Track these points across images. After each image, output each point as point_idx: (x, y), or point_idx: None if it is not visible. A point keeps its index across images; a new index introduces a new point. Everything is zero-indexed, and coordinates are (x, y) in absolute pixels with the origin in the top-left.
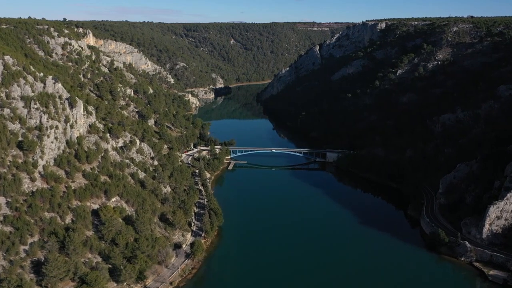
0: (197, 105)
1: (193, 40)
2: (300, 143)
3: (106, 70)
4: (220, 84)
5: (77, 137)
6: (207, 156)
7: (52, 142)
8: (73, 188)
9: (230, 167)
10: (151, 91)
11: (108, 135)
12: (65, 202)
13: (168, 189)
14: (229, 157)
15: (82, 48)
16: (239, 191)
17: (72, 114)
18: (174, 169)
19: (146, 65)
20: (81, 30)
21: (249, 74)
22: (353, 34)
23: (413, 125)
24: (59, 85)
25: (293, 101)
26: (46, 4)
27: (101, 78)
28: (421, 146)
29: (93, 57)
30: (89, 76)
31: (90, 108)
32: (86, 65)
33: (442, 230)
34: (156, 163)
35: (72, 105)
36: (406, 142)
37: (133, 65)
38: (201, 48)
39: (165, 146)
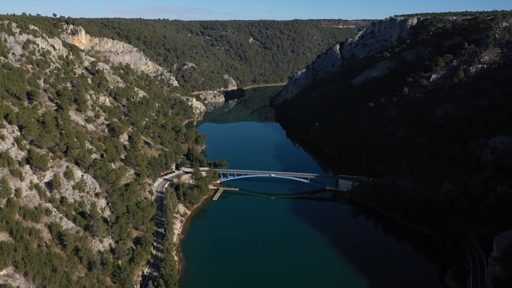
0: (202, 110)
1: (209, 38)
2: (310, 161)
3: (81, 72)
4: (232, 86)
5: None
6: (190, 180)
7: None
8: None
9: (216, 197)
10: (140, 95)
11: (27, 167)
12: None
13: (107, 243)
14: (218, 181)
15: (54, 47)
16: (221, 235)
17: None
18: (129, 209)
19: (146, 66)
20: (71, 27)
21: (267, 75)
22: (379, 31)
23: (452, 147)
24: None
25: (308, 108)
26: (76, 3)
27: (67, 83)
28: (463, 179)
29: (70, 58)
30: (51, 81)
31: (7, 129)
32: (51, 67)
33: None
34: (102, 202)
35: None
36: (443, 172)
37: (132, 66)
38: (217, 47)
39: (131, 172)
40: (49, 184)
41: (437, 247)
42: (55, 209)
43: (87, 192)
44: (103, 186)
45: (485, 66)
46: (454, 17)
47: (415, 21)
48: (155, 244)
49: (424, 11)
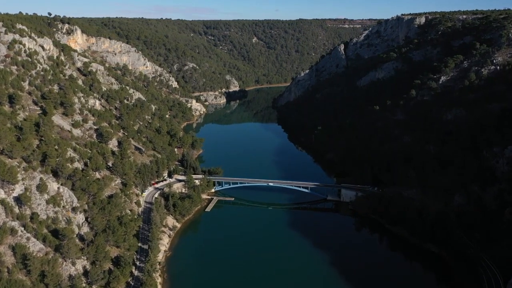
0: (201, 112)
1: (212, 38)
2: (312, 168)
3: (71, 74)
4: (234, 87)
5: None
6: (183, 189)
7: None
8: None
9: (209, 208)
10: (136, 97)
11: None
12: None
13: (81, 265)
14: (212, 190)
15: (43, 47)
16: (213, 251)
17: None
18: (109, 226)
19: (145, 66)
20: (67, 26)
21: (270, 76)
22: (385, 30)
23: (464, 156)
24: None
25: (310, 110)
26: (81, 3)
27: (53, 86)
28: (477, 192)
29: (61, 58)
30: (36, 83)
31: None
32: (38, 68)
33: None
34: (79, 217)
35: None
36: (454, 183)
37: (129, 67)
38: (220, 47)
39: (118, 181)
40: (19, 199)
41: (448, 268)
42: (22, 228)
43: (63, 206)
44: (82, 199)
45: (498, 67)
46: (464, 16)
47: (423, 20)
48: (138, 263)
49: (432, 9)
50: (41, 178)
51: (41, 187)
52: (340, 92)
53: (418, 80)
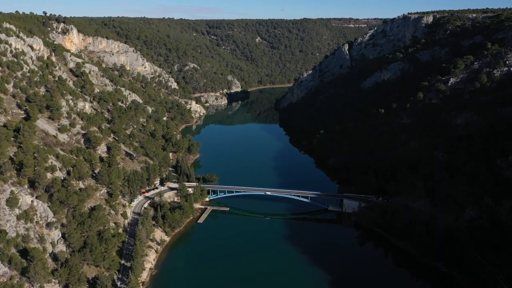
0: (201, 113)
1: (215, 37)
2: (313, 174)
3: (59, 75)
4: (236, 88)
5: None
6: (175, 198)
7: None
8: None
9: (202, 219)
10: (132, 99)
11: None
12: None
13: None
14: (207, 199)
15: (32, 47)
16: (204, 268)
17: None
18: (87, 243)
19: (143, 67)
20: (62, 25)
21: (274, 76)
22: (391, 30)
23: (475, 164)
24: None
25: (313, 113)
26: (84, 2)
27: (40, 88)
28: (490, 205)
29: (52, 59)
30: (21, 85)
31: None
32: (24, 69)
33: None
34: (55, 233)
35: None
36: (465, 194)
37: (127, 67)
38: (223, 47)
39: (103, 191)
40: None
41: None
42: None
43: (36, 222)
44: (59, 212)
45: (511, 69)
46: (474, 15)
47: (430, 19)
48: (119, 283)
49: (440, 8)
50: (12, 191)
51: (12, 201)
52: (344, 93)
53: (425, 81)
